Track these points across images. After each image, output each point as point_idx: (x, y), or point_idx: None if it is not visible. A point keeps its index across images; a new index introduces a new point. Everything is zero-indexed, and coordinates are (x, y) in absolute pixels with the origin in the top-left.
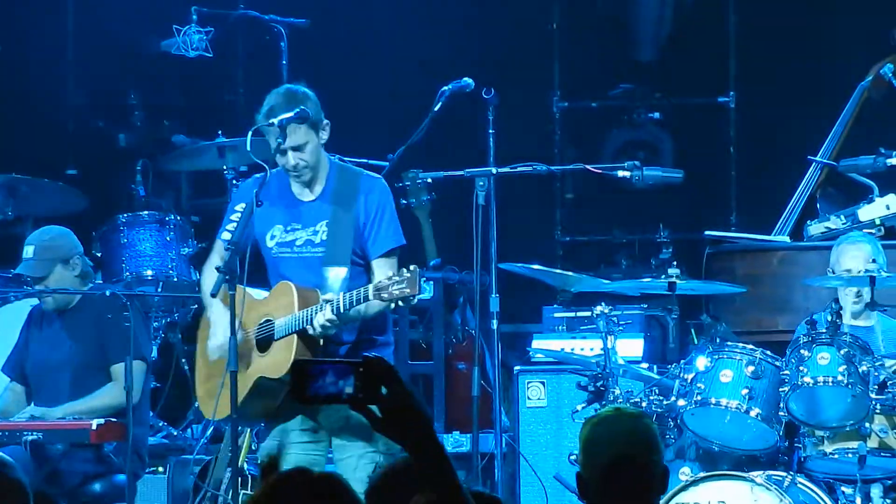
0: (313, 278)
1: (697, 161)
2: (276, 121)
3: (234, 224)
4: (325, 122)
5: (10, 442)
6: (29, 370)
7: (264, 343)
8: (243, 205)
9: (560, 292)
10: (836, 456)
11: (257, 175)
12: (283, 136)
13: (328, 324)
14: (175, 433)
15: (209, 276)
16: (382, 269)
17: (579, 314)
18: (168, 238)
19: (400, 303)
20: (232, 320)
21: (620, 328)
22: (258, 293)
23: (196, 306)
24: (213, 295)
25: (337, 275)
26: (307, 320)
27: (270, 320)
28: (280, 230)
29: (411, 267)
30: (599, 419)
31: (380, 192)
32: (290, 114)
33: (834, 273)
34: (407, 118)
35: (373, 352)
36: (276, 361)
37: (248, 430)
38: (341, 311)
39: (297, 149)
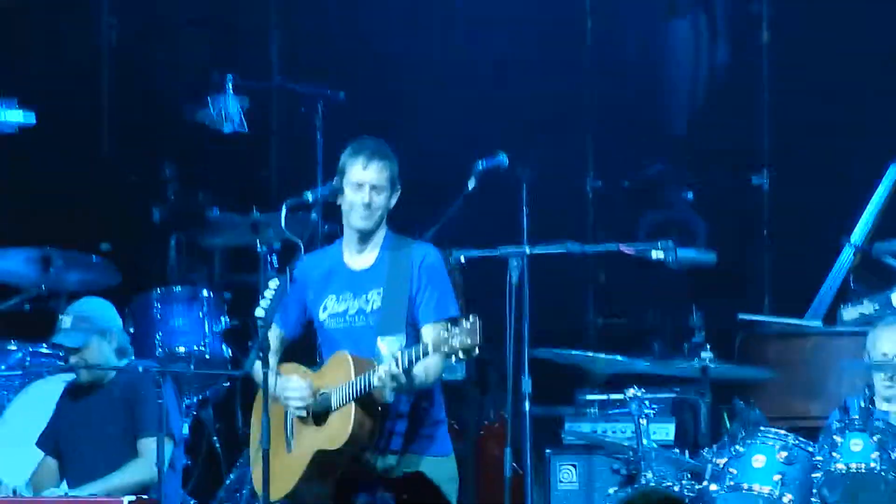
0: (365, 347)
1: (730, 242)
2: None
3: (267, 301)
4: (399, 187)
5: None
6: (62, 445)
7: (321, 416)
8: (276, 281)
9: (592, 376)
10: None
11: (317, 251)
12: (367, 168)
13: (392, 381)
14: None
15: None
16: (430, 336)
17: (611, 397)
18: (201, 314)
19: (461, 355)
20: (265, 398)
21: (653, 412)
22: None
23: (228, 383)
24: (246, 372)
25: (392, 344)
26: (365, 385)
27: (325, 392)
28: (333, 301)
29: (470, 317)
30: (628, 502)
31: (433, 259)
32: (384, 163)
33: (870, 356)
34: (441, 195)
35: (427, 429)
36: (335, 431)
37: None
38: (400, 366)
39: (375, 188)
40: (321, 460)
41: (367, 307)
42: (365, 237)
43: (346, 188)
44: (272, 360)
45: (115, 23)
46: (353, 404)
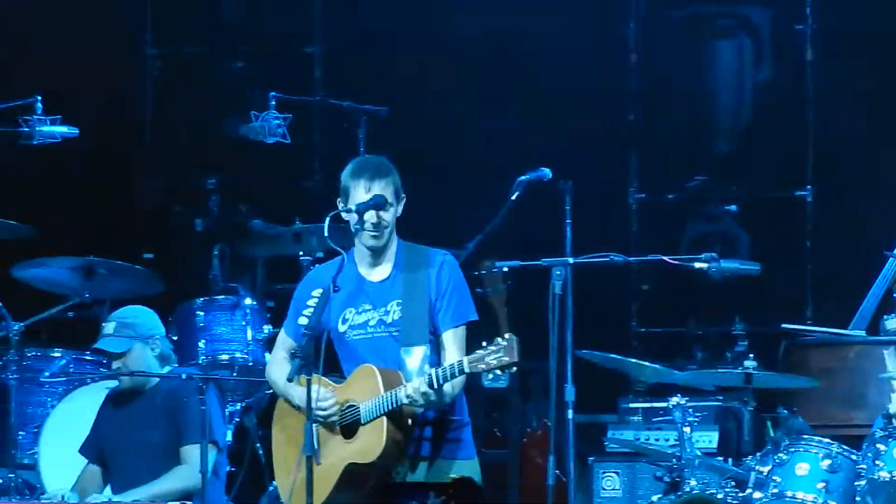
0: (389, 358)
1: (774, 254)
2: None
3: (311, 309)
4: (403, 196)
5: None
6: (105, 452)
7: (349, 429)
8: (320, 290)
9: (636, 383)
10: None
11: (325, 263)
12: (369, 190)
13: (420, 398)
14: None
15: (277, 369)
16: (451, 342)
17: (654, 405)
18: (243, 322)
19: (498, 372)
20: (308, 406)
21: (696, 420)
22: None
23: (271, 391)
24: (289, 380)
25: (417, 355)
26: (396, 400)
27: (354, 405)
28: (352, 313)
29: (506, 335)
30: None
31: (450, 265)
32: (386, 181)
33: None
34: (484, 207)
35: (454, 433)
36: (366, 445)
37: None
38: (434, 385)
39: (380, 207)
40: (352, 473)
41: (388, 318)
42: (377, 251)
43: (351, 211)
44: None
45: (158, 54)
46: (384, 419)
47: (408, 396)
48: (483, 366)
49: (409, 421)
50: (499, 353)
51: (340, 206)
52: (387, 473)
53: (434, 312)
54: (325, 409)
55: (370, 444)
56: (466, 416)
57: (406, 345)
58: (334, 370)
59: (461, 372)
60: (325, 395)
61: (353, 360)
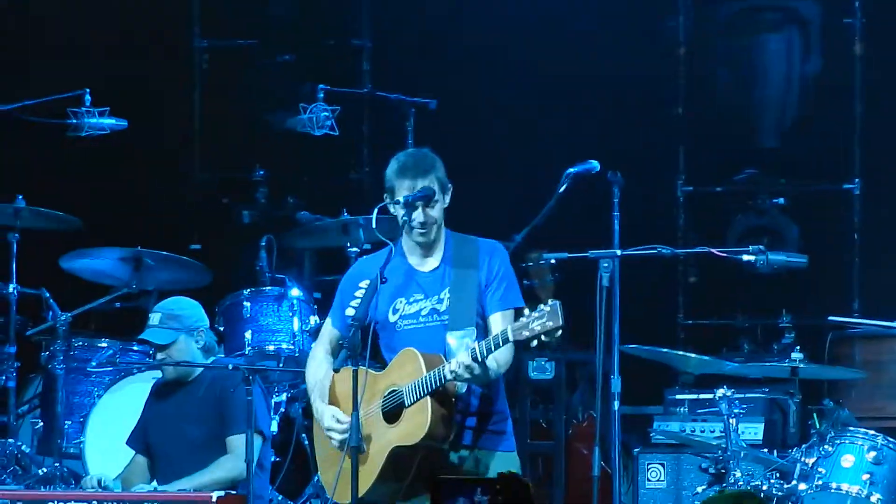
0: (439, 347)
1: (821, 247)
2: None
3: (358, 301)
4: (450, 186)
5: None
6: (151, 442)
7: (392, 414)
8: (367, 282)
9: (682, 375)
10: None
11: (371, 254)
12: (414, 189)
13: (464, 371)
14: None
15: (314, 367)
16: (498, 325)
17: (701, 397)
18: (290, 313)
19: (543, 338)
20: (354, 396)
21: (742, 411)
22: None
23: None
24: (336, 371)
25: (460, 338)
26: (439, 378)
27: (396, 390)
28: (403, 303)
29: (549, 301)
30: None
31: (502, 254)
32: (430, 178)
33: None
34: (532, 199)
35: (495, 425)
36: (411, 427)
37: None
38: (479, 357)
39: (427, 204)
40: (397, 457)
41: (441, 306)
42: (428, 246)
43: (398, 207)
44: (326, 360)
45: (207, 46)
46: (428, 399)
47: (451, 371)
48: (527, 332)
49: (454, 401)
50: (542, 318)
51: (387, 200)
52: (431, 456)
53: (483, 298)
54: (338, 432)
55: (415, 424)
56: (507, 408)
57: (453, 329)
58: (376, 361)
59: (505, 341)
60: (342, 417)
61: (403, 347)
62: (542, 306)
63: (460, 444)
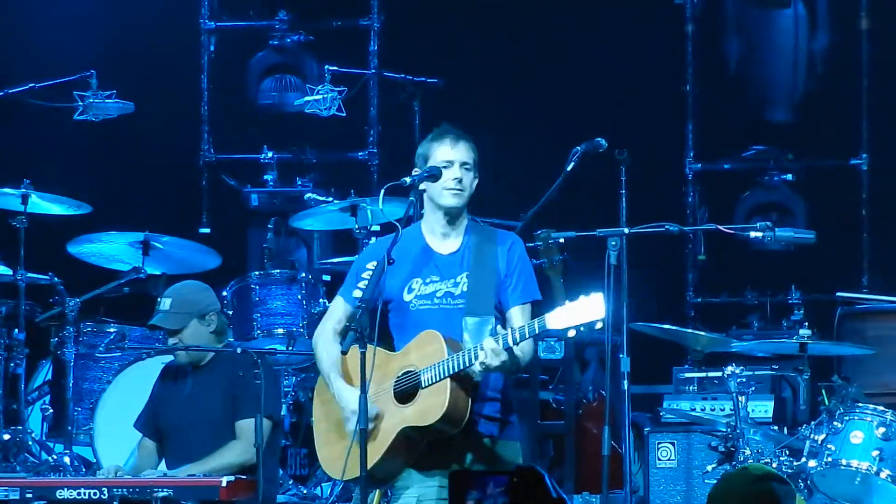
0: (453, 330)
1: (830, 223)
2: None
3: (366, 282)
4: (478, 173)
5: (141, 498)
6: (161, 426)
7: (405, 395)
8: (374, 263)
9: (691, 353)
10: None
11: (387, 235)
12: (455, 147)
13: (494, 358)
14: (304, 491)
15: (323, 344)
16: (519, 318)
17: (710, 375)
18: (299, 296)
19: (581, 329)
20: (362, 378)
21: (751, 389)
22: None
23: None
24: (344, 353)
25: (479, 324)
26: (464, 362)
27: (411, 371)
28: (419, 283)
29: (591, 293)
30: (726, 478)
31: (520, 245)
32: (469, 144)
33: None
34: (539, 178)
35: (512, 415)
36: (426, 408)
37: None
38: (511, 343)
39: (464, 165)
40: (407, 438)
41: (456, 290)
42: (452, 220)
43: (433, 170)
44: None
45: (214, 27)
46: (448, 381)
47: (481, 356)
48: (567, 322)
49: (472, 386)
50: (584, 309)
51: (417, 171)
52: (439, 442)
53: (501, 288)
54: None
55: (431, 405)
56: (514, 397)
57: (470, 314)
58: (383, 341)
59: (542, 329)
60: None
61: (416, 329)
62: (582, 297)
63: (483, 433)
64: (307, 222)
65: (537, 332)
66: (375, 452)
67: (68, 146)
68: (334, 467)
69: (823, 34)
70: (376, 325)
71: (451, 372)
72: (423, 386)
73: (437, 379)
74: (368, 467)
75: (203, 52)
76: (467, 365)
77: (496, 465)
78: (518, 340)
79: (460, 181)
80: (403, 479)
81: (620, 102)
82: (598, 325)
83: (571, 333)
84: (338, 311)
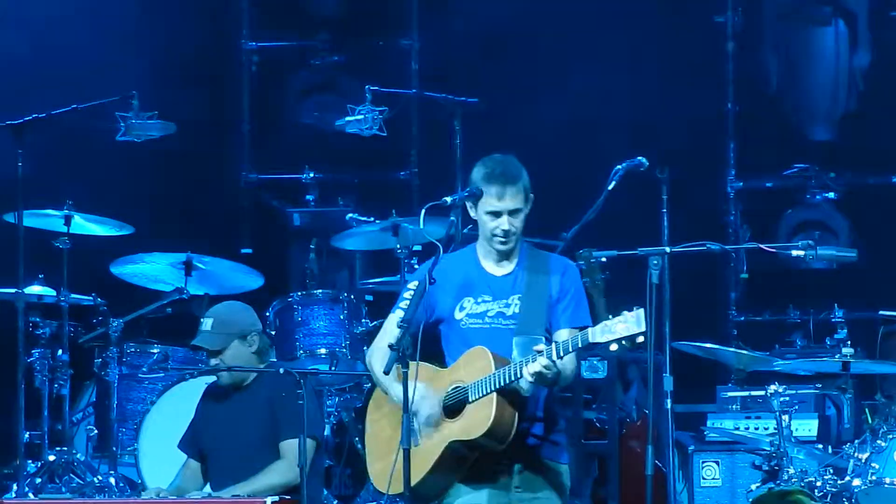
0: (503, 349)
1: (872, 240)
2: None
3: (406, 302)
4: (532, 196)
5: None
6: (205, 447)
7: (454, 410)
8: (416, 283)
9: (734, 372)
10: None
11: (449, 253)
12: (502, 198)
13: (544, 371)
14: None
15: (379, 357)
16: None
17: (753, 394)
18: (341, 316)
19: (623, 342)
20: (405, 398)
21: (794, 408)
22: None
23: (370, 385)
24: (386, 373)
25: (529, 343)
26: (510, 375)
27: (460, 386)
28: (471, 302)
29: (633, 308)
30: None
31: (575, 272)
32: (517, 187)
33: None
34: (580, 197)
35: (557, 435)
36: (472, 421)
37: None
38: (556, 357)
39: (513, 213)
40: (453, 451)
41: (508, 311)
42: (506, 253)
43: (480, 213)
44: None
45: (255, 48)
46: (494, 395)
47: (527, 368)
48: (609, 335)
49: (519, 402)
50: (626, 323)
51: (468, 206)
52: (486, 457)
53: (553, 312)
54: (426, 411)
55: (478, 419)
56: (563, 420)
57: (520, 335)
58: (437, 362)
59: (584, 342)
60: (426, 392)
61: (465, 347)
62: (625, 312)
63: (518, 449)
64: (349, 242)
65: (580, 345)
66: (423, 467)
67: (111, 167)
68: (383, 482)
69: (864, 51)
70: (418, 344)
71: (498, 386)
72: (471, 400)
73: (484, 393)
74: (416, 481)
75: (244, 72)
76: (513, 378)
77: (544, 486)
78: (561, 354)
79: (507, 232)
80: (451, 496)
81: (661, 121)
82: (640, 340)
83: (613, 347)
84: (392, 327)
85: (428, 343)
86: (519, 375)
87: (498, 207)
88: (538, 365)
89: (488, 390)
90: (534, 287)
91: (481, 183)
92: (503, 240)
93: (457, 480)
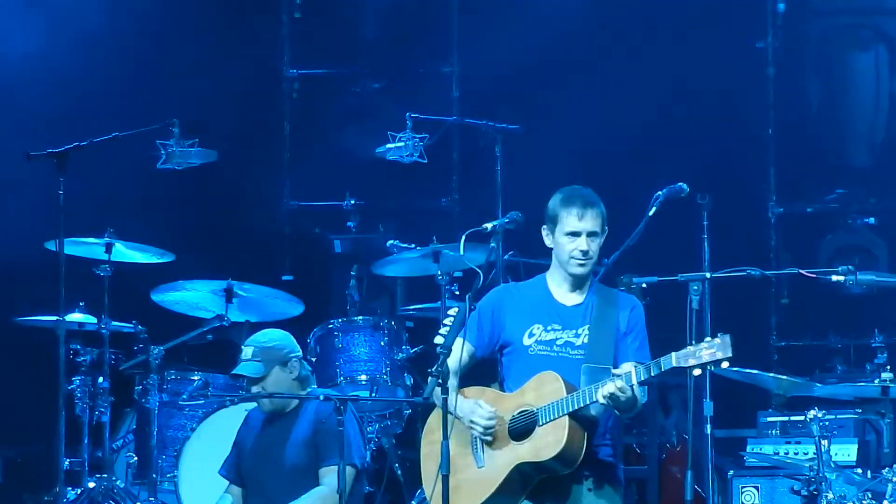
0: (572, 377)
1: None
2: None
3: (447, 328)
4: (607, 229)
5: None
6: (245, 472)
7: (521, 433)
8: (456, 309)
9: (774, 397)
10: None
11: (518, 282)
12: (583, 218)
13: (619, 393)
14: None
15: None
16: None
17: (793, 418)
18: (382, 343)
19: (710, 367)
20: (444, 424)
21: (834, 433)
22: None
23: (409, 411)
24: (426, 399)
25: (599, 373)
26: (583, 399)
27: (527, 410)
28: (540, 329)
29: (719, 334)
30: None
31: (641, 310)
32: (596, 210)
33: None
34: (621, 223)
35: (612, 458)
36: (543, 444)
37: None
38: (633, 382)
39: (591, 235)
40: (521, 473)
41: (577, 341)
42: (577, 281)
43: (559, 236)
44: (453, 379)
45: (296, 75)
46: (566, 418)
47: (602, 395)
48: (693, 360)
49: (591, 426)
50: (712, 349)
51: (545, 234)
52: (551, 480)
53: (619, 345)
54: (484, 418)
55: (549, 442)
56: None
57: (590, 363)
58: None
59: (667, 365)
60: (484, 405)
61: (531, 373)
62: (709, 337)
63: (580, 469)
64: (389, 269)
65: (662, 370)
66: (487, 488)
67: (151, 195)
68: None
69: None
70: (458, 371)
71: (571, 409)
72: (541, 423)
73: (556, 416)
74: (480, 503)
75: (285, 99)
76: (587, 402)
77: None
78: (643, 377)
79: (585, 253)
80: None
81: (702, 146)
82: (725, 365)
83: (697, 372)
84: (457, 350)
85: (475, 366)
86: (592, 400)
87: (578, 228)
88: (613, 387)
89: (560, 413)
90: (603, 320)
91: (560, 207)
92: (582, 261)
93: (520, 500)
